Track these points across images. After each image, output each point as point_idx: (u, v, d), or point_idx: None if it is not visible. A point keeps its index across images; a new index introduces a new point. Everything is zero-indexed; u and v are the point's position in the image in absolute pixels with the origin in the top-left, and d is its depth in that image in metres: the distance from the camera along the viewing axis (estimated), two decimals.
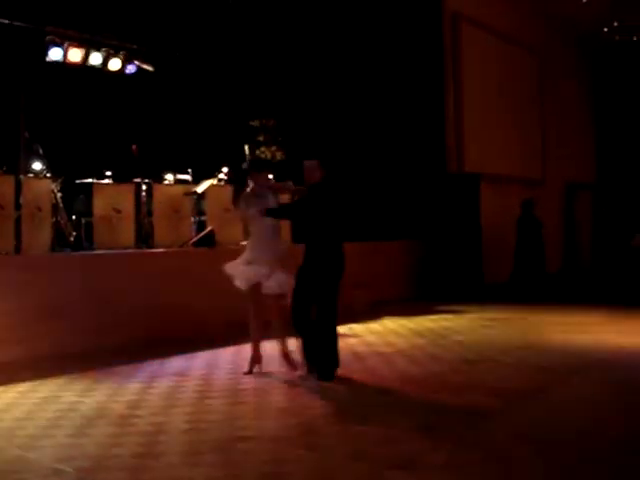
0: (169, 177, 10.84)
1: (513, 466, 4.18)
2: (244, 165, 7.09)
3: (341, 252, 6.59)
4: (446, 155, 13.86)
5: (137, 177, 10.28)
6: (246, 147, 11.45)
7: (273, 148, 11.27)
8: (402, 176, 13.17)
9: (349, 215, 7.09)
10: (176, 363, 7.35)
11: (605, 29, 17.65)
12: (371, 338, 8.78)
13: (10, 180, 8.62)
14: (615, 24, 17.27)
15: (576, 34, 18.27)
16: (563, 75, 18.45)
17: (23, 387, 6.28)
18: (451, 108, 14.06)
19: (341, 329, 9.40)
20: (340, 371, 6.72)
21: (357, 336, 8.91)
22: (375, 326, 9.74)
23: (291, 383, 6.35)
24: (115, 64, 11.86)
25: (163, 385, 6.33)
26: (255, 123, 11.49)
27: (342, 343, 8.34)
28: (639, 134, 19.00)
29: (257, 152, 11.35)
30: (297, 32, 12.25)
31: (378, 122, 13.14)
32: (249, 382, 6.41)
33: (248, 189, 6.77)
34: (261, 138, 11.40)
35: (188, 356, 7.68)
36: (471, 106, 14.41)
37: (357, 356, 7.58)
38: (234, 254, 9.88)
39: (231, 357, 7.64)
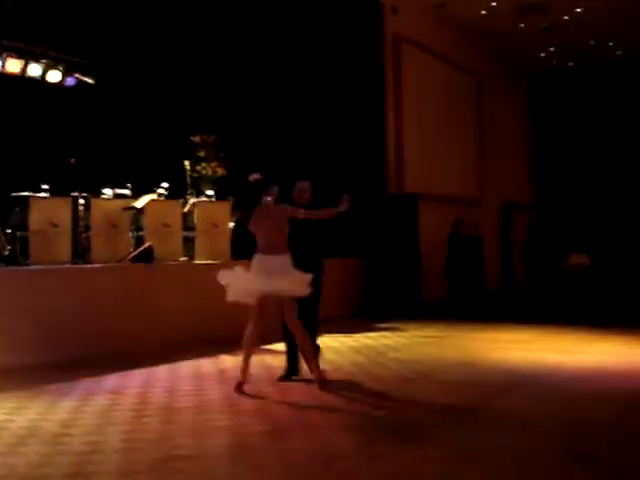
0: (108, 191, 10.70)
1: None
2: (254, 176, 6.82)
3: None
4: (386, 175, 14.01)
5: (75, 191, 10.13)
6: (186, 163, 11.36)
7: (214, 164, 11.22)
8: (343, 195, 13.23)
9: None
10: (112, 381, 7.23)
11: (542, 54, 18.14)
12: None
13: None
14: (551, 49, 17.76)
15: (514, 58, 18.70)
16: (501, 98, 18.86)
17: None
18: (391, 129, 14.23)
19: (280, 346, 9.44)
20: (278, 388, 6.74)
21: None
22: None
23: (229, 401, 6.30)
24: (54, 76, 11.70)
25: (98, 403, 6.22)
26: (196, 139, 11.42)
27: (280, 360, 8.36)
28: (575, 157, 19.51)
29: (198, 168, 11.29)
30: (239, 49, 12.27)
31: (319, 142, 13.22)
32: (186, 400, 6.34)
33: (269, 200, 6.68)
34: (202, 154, 11.33)
35: (124, 373, 7.57)
36: (411, 127, 14.62)
37: None
38: (172, 270, 9.86)
39: (168, 375, 7.55)
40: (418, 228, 13.37)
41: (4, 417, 5.71)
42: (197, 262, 10.42)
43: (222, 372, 7.66)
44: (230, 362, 8.23)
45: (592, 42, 17.06)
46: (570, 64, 18.86)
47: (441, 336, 10.41)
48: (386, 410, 5.97)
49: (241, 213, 6.97)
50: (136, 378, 7.38)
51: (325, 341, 9.94)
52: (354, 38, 13.50)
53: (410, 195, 13.75)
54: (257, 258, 6.59)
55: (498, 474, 4.35)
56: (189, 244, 10.61)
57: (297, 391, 6.68)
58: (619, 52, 17.82)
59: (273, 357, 8.60)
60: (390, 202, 13.48)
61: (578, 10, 14.92)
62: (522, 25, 15.92)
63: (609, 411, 5.89)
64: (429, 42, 15.35)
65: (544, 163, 20.26)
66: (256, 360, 8.36)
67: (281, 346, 9.50)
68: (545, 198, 19.88)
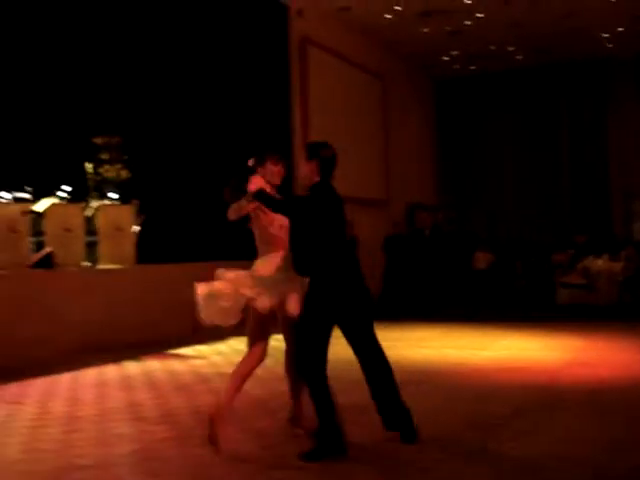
0: (6, 195, 10.35)
1: None
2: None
3: None
4: (293, 178, 13.98)
5: None
6: (88, 165, 11.09)
7: (118, 166, 11.01)
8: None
9: None
10: (12, 390, 7.02)
11: (445, 57, 18.56)
12: (217, 359, 8.72)
13: None
14: (454, 53, 18.18)
15: (419, 61, 19.05)
16: (407, 101, 19.16)
17: None
18: (298, 132, 14.26)
19: (187, 351, 9.38)
20: (184, 394, 6.69)
21: (203, 357, 8.84)
22: (221, 347, 9.69)
23: (132, 408, 6.20)
24: None
25: None
26: (98, 140, 11.16)
27: (186, 365, 8.31)
28: (477, 159, 20.03)
29: (101, 170, 11.05)
30: (144, 49, 12.05)
31: (225, 142, 13.13)
32: (88, 409, 6.21)
33: None
34: (105, 156, 11.09)
35: (25, 383, 7.36)
36: (318, 130, 14.67)
37: (202, 378, 7.52)
38: (74, 276, 9.62)
39: (70, 383, 7.38)
40: None
41: None
42: (100, 267, 10.20)
43: (125, 379, 7.53)
44: (133, 368, 8.11)
45: (492, 47, 17.55)
46: (472, 68, 19.35)
47: (338, 335, 10.47)
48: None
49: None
50: (37, 387, 7.19)
51: (232, 344, 9.92)
52: (260, 40, 13.48)
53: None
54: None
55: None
56: (92, 249, 10.37)
57: (201, 396, 6.63)
58: (519, 57, 18.39)
59: (180, 362, 8.53)
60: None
61: (479, 15, 15.29)
62: (426, 30, 16.23)
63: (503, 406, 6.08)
64: (335, 45, 15.47)
65: (449, 164, 20.73)
66: (162, 365, 8.30)
67: (187, 350, 9.46)
68: (450, 198, 20.31)
